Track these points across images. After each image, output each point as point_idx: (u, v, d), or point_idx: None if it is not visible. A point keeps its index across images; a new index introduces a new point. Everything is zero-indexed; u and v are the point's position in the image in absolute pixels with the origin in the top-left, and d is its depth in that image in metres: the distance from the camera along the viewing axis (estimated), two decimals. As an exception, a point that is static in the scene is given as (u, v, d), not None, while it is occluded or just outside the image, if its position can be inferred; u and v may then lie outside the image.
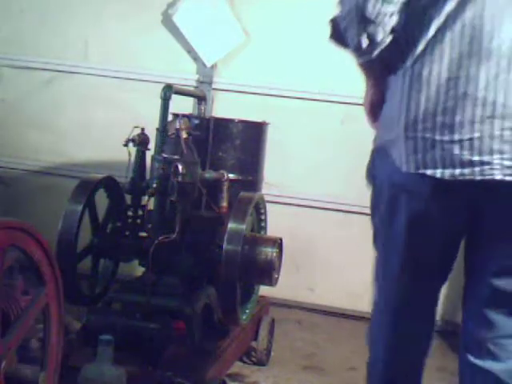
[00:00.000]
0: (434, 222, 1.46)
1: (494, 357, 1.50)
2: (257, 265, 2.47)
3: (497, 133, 1.31)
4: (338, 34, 1.46)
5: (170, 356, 2.27)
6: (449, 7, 1.31)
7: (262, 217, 2.69)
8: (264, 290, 2.80)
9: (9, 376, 1.60)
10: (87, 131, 4.01)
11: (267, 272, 2.50)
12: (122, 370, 1.95)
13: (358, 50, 1.39)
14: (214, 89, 3.86)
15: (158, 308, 2.33)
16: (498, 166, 1.31)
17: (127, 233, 2.59)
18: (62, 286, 1.80)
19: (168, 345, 2.26)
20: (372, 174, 1.59)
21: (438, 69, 1.32)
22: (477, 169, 1.32)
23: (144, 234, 2.57)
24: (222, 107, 3.78)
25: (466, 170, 1.33)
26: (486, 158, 1.31)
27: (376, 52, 1.37)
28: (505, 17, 1.29)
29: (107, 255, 2.64)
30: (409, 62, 1.37)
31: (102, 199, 2.63)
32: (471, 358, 1.53)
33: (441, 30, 1.32)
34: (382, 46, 1.37)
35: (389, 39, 1.36)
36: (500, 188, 1.35)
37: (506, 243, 1.44)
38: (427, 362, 1.78)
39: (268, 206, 2.74)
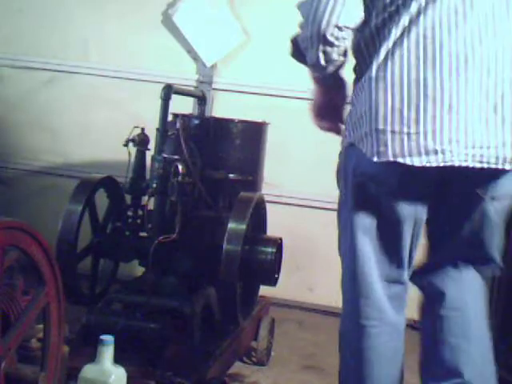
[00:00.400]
0: (401, 208, 1.64)
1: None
2: (257, 265, 2.47)
3: (453, 125, 1.52)
4: (298, 53, 1.72)
5: (170, 356, 2.27)
6: (405, 21, 1.55)
7: (262, 217, 2.69)
8: (264, 290, 2.80)
9: (9, 376, 1.61)
10: (87, 131, 4.01)
11: (267, 272, 2.50)
12: (122, 370, 1.95)
13: (315, 66, 1.66)
14: (213, 89, 3.86)
15: (158, 308, 2.33)
16: (455, 154, 1.53)
17: (127, 233, 2.59)
18: (62, 286, 1.80)
19: (168, 345, 2.26)
20: (341, 173, 1.75)
21: (399, 72, 1.54)
22: (440, 156, 1.52)
23: (144, 234, 2.57)
24: (222, 107, 3.78)
25: (432, 158, 1.52)
26: (446, 147, 1.52)
27: (330, 68, 1.65)
28: (452, 28, 1.53)
29: (107, 255, 2.64)
30: (374, 68, 1.58)
31: (102, 199, 2.63)
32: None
33: (399, 40, 1.55)
34: (336, 64, 1.65)
35: (341, 58, 1.63)
36: (458, 174, 1.58)
37: (464, 225, 1.70)
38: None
39: (268, 205, 2.74)
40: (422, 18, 1.53)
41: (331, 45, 1.57)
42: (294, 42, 1.74)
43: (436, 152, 1.52)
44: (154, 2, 3.87)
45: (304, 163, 3.72)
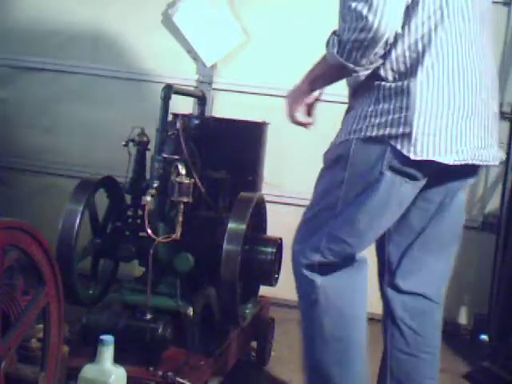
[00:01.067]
0: (406, 194, 1.88)
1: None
2: (257, 265, 2.47)
3: (468, 130, 1.80)
4: (343, 52, 1.76)
5: (170, 356, 2.27)
6: (437, 39, 1.76)
7: (262, 217, 2.69)
8: (264, 290, 2.80)
9: (9, 376, 1.61)
10: (87, 131, 4.01)
11: (267, 272, 2.50)
12: (122, 370, 1.95)
13: (357, 65, 1.77)
14: (213, 89, 3.86)
15: (158, 308, 2.33)
16: (469, 154, 1.80)
17: (127, 233, 2.59)
18: (62, 286, 1.80)
19: (168, 345, 2.27)
20: (345, 160, 1.94)
21: (436, 86, 1.76)
22: (461, 155, 1.78)
23: (144, 234, 2.57)
24: (222, 107, 3.79)
25: (455, 156, 1.78)
26: (464, 148, 1.79)
27: (372, 68, 1.79)
28: (467, 44, 1.80)
29: (107, 255, 2.63)
30: (420, 74, 1.76)
31: (102, 199, 2.63)
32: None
33: (435, 55, 1.76)
34: (375, 65, 1.79)
35: (381, 60, 1.78)
36: (454, 168, 1.81)
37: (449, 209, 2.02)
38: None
39: (268, 205, 2.74)
40: (443, 31, 1.76)
41: (380, 47, 1.72)
42: (339, 42, 1.77)
43: (457, 152, 1.78)
44: (154, 2, 3.88)
45: (304, 163, 3.71)
